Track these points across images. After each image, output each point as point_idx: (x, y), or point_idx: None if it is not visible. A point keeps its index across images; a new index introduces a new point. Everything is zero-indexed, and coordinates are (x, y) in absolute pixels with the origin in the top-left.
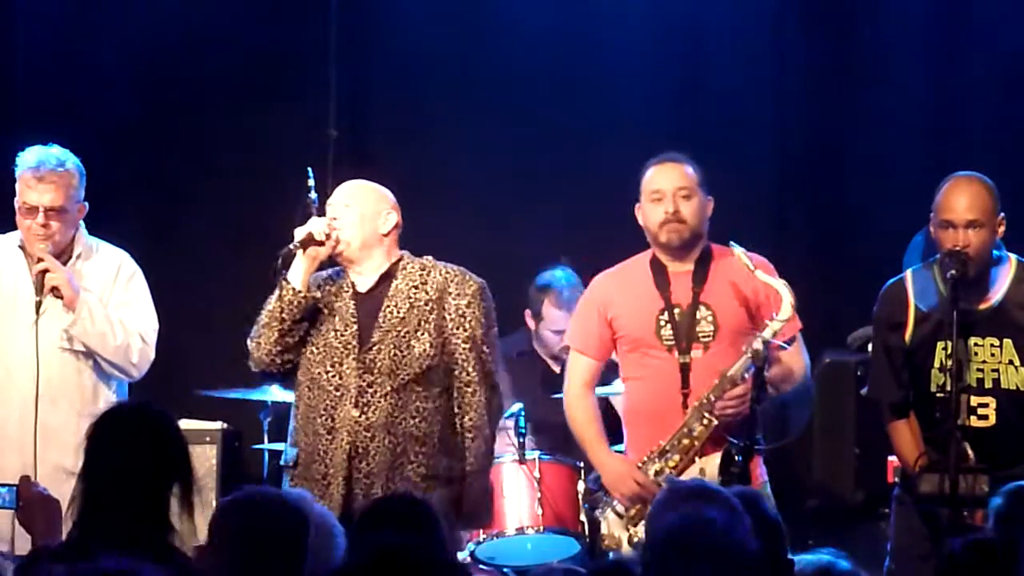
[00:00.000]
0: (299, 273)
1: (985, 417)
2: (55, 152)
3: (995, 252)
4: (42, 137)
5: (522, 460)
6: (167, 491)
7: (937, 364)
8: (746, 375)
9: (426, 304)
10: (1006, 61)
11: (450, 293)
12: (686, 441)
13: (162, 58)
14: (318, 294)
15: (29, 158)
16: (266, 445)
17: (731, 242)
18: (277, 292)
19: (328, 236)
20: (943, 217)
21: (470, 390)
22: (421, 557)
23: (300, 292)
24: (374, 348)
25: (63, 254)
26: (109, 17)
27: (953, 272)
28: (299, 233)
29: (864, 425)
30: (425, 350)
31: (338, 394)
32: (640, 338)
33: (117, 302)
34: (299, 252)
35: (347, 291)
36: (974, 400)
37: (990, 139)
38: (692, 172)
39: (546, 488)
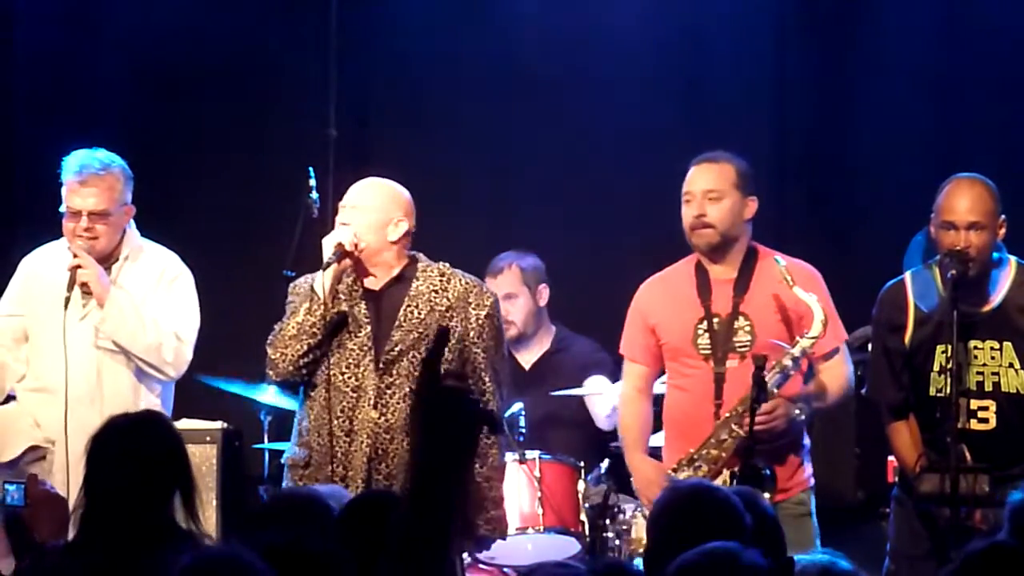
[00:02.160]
0: (326, 285)
1: (985, 420)
2: (99, 155)
3: (995, 255)
4: (42, 136)
5: (522, 460)
6: (169, 498)
7: (936, 367)
8: (775, 390)
9: (447, 311)
10: (1007, 62)
11: (471, 303)
12: (714, 452)
13: (162, 58)
14: (345, 307)
15: (73, 162)
16: (266, 444)
17: (776, 256)
18: (307, 305)
19: (356, 246)
20: (944, 218)
21: (485, 399)
22: (309, 550)
23: (332, 308)
24: (395, 350)
25: (110, 257)
26: (109, 16)
27: (953, 272)
28: (329, 245)
29: (864, 425)
30: (444, 356)
31: (355, 396)
32: (677, 347)
33: (158, 302)
34: (333, 265)
35: (357, 291)
36: (974, 403)
37: (991, 141)
38: (730, 172)
39: (546, 488)
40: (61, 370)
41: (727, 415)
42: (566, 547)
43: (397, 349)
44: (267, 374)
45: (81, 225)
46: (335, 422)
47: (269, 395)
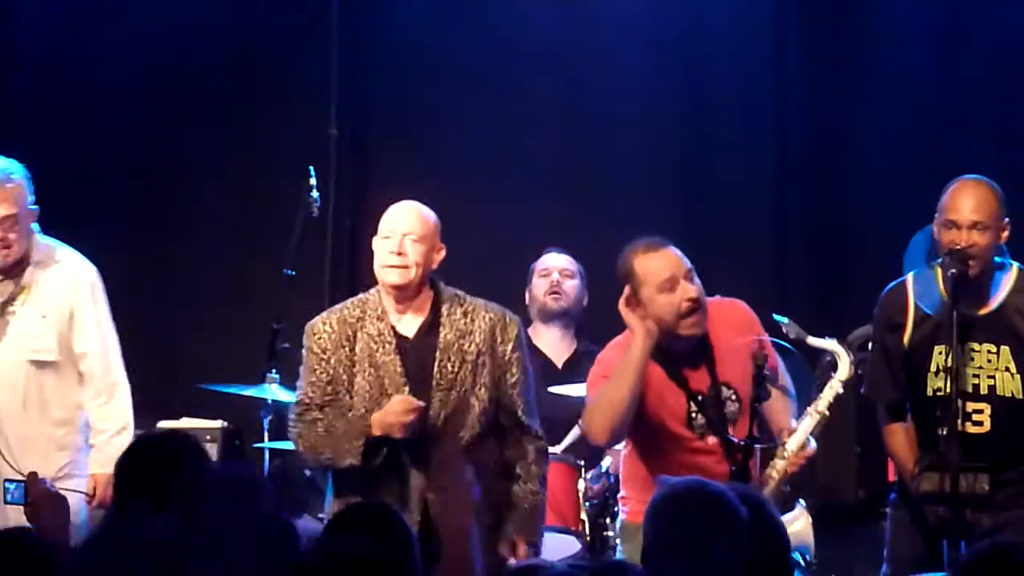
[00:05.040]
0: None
1: (980, 423)
2: (1, 164)
3: (998, 258)
4: (43, 137)
5: None
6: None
7: (934, 368)
8: (811, 443)
9: (477, 357)
10: (1008, 65)
11: (497, 339)
12: None
13: (163, 58)
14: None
15: None
16: (267, 444)
17: (775, 315)
18: (357, 452)
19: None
20: (948, 216)
21: (520, 430)
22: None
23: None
24: (440, 416)
25: (21, 262)
26: (110, 17)
27: (954, 271)
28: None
29: (865, 424)
30: (484, 407)
31: (403, 463)
32: (670, 430)
33: (84, 319)
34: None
35: (388, 337)
36: (969, 406)
37: (992, 143)
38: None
39: (547, 487)
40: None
41: (776, 482)
42: (567, 546)
43: (442, 416)
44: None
45: None
46: (384, 489)
47: (268, 394)
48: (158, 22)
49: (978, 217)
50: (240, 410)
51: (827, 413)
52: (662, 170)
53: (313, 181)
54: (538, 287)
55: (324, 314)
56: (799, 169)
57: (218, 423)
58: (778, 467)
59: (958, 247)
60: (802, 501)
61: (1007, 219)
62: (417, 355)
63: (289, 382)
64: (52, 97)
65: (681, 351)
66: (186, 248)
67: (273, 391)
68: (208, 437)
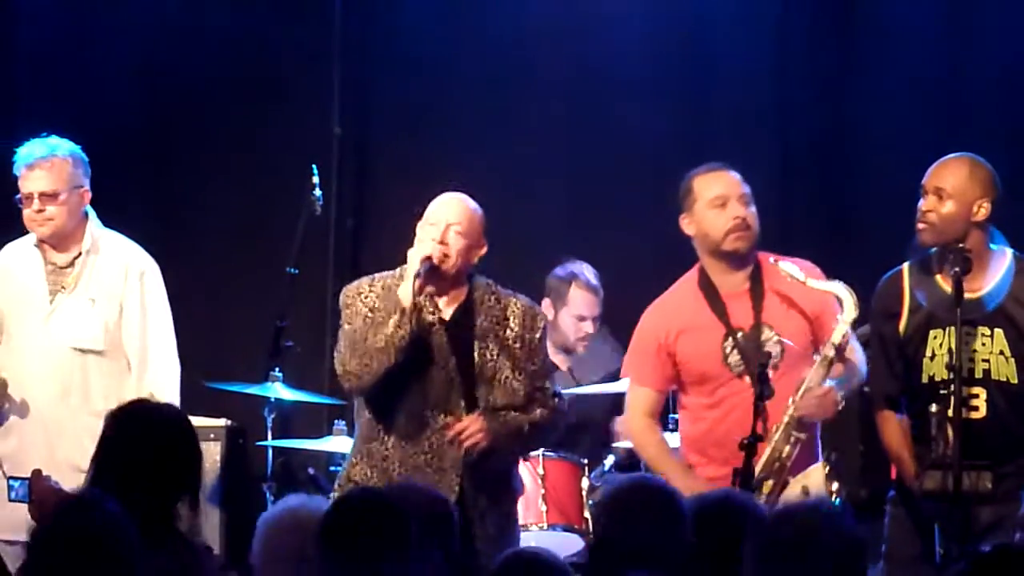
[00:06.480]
0: (410, 298)
1: (976, 408)
2: (47, 141)
3: (992, 245)
4: (43, 136)
5: (526, 457)
6: (175, 494)
7: (929, 353)
8: (824, 384)
9: (514, 342)
10: (1012, 63)
11: (527, 327)
12: (777, 464)
13: (165, 57)
14: (430, 317)
15: (23, 151)
16: (270, 442)
17: (772, 258)
18: (396, 319)
19: (442, 263)
20: (922, 182)
21: (535, 401)
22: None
23: (416, 322)
24: (488, 399)
25: (71, 245)
26: (111, 15)
27: (957, 269)
28: (415, 257)
29: (868, 421)
30: (525, 391)
31: (444, 432)
32: (707, 371)
33: (130, 306)
34: (418, 278)
35: (433, 314)
36: (965, 391)
37: (996, 141)
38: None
39: (550, 485)
40: (43, 370)
41: (782, 425)
42: (569, 544)
43: (488, 398)
44: (344, 385)
45: (33, 208)
46: (422, 457)
47: (272, 392)
48: (160, 21)
49: (940, 184)
50: (244, 408)
51: (832, 355)
52: (664, 170)
53: (316, 180)
54: (568, 327)
55: (366, 279)
56: (801, 168)
57: (222, 421)
58: (788, 413)
59: (960, 244)
60: (822, 455)
61: (985, 200)
62: (458, 337)
63: (293, 380)
64: (52, 96)
65: (730, 286)
66: (189, 246)
67: (277, 389)
68: (212, 435)
